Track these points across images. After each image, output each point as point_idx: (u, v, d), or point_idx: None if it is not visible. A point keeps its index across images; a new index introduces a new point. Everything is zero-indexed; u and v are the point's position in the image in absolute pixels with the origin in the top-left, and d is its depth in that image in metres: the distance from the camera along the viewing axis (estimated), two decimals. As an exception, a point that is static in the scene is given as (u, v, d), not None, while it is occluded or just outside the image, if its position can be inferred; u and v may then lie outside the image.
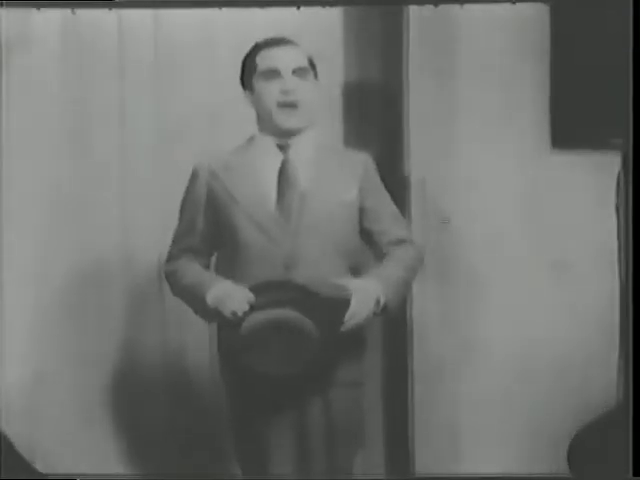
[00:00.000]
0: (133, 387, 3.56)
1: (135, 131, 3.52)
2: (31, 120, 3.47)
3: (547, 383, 3.38)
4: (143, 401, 3.55)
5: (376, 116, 3.54)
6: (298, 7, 3.41)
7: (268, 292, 2.59)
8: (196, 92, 3.50)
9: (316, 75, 2.79)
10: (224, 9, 3.42)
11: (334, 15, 3.52)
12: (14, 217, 3.45)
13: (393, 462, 3.54)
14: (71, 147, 3.51)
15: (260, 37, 3.30)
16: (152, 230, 3.46)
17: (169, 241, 2.87)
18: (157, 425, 3.54)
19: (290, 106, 2.70)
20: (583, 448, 3.29)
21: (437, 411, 3.40)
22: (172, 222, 2.89)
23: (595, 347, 3.36)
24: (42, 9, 3.41)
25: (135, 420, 3.56)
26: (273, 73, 2.72)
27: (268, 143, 2.76)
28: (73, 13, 3.43)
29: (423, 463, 3.39)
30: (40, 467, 3.39)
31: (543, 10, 3.33)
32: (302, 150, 2.76)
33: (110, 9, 3.43)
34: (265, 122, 2.76)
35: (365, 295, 2.60)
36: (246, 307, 2.57)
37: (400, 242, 2.78)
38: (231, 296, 2.60)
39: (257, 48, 2.78)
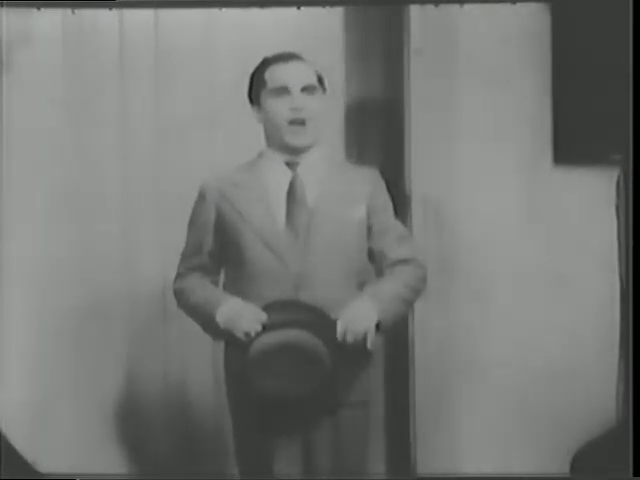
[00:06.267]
0: (135, 413, 3.56)
1: (135, 131, 3.51)
2: (31, 120, 3.47)
3: (547, 393, 3.38)
4: (146, 427, 3.56)
5: (377, 129, 3.53)
6: (298, 7, 3.41)
7: (279, 312, 2.57)
8: (196, 92, 3.50)
9: (324, 90, 2.78)
10: (224, 9, 3.42)
11: (334, 15, 3.51)
12: (13, 232, 3.45)
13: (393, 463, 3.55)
14: (71, 147, 3.51)
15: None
16: (155, 246, 3.48)
17: (171, 261, 2.85)
18: (160, 449, 3.56)
19: (299, 124, 2.69)
20: (585, 455, 3.29)
21: (438, 419, 3.40)
22: (174, 231, 2.88)
23: (596, 358, 3.36)
24: (42, 9, 3.41)
25: (138, 446, 3.57)
26: (282, 90, 2.70)
27: (276, 160, 2.75)
28: (73, 13, 3.43)
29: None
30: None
31: (543, 10, 3.32)
32: (310, 168, 2.74)
33: (110, 9, 3.43)
34: (274, 138, 2.75)
35: (354, 314, 2.58)
36: (259, 327, 2.55)
37: (403, 262, 2.74)
38: (243, 316, 2.58)
39: (266, 63, 2.76)
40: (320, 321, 2.56)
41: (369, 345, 2.58)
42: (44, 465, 3.37)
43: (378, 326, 2.60)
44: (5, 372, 3.46)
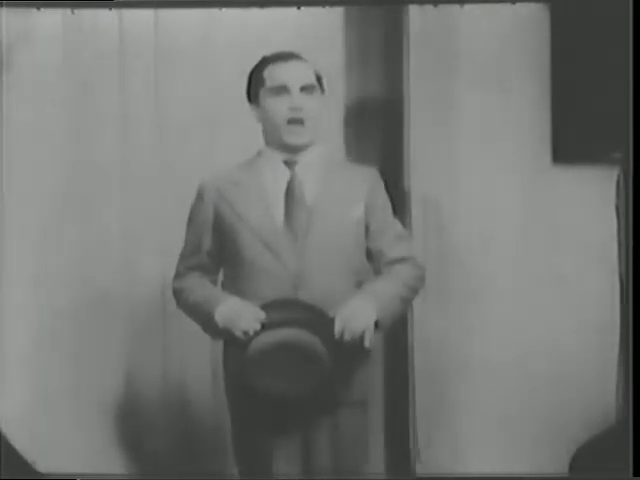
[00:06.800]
0: (135, 412, 3.56)
1: (135, 131, 3.52)
2: (31, 120, 3.47)
3: (547, 393, 3.38)
4: (146, 426, 3.56)
5: (377, 128, 3.53)
6: (298, 7, 3.41)
7: (278, 311, 2.57)
8: (196, 92, 3.50)
9: (323, 90, 2.78)
10: (224, 9, 3.43)
11: (334, 15, 3.51)
12: (13, 232, 3.46)
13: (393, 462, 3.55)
14: (71, 147, 3.51)
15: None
16: (155, 245, 3.48)
17: (171, 261, 2.85)
18: (160, 448, 3.56)
19: (298, 123, 2.69)
20: (585, 454, 3.29)
21: (438, 419, 3.40)
22: (173, 231, 2.89)
23: (596, 357, 3.36)
24: (42, 9, 3.41)
25: (138, 445, 3.57)
26: (281, 90, 2.70)
27: (275, 159, 2.75)
28: (73, 13, 3.43)
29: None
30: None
31: (543, 10, 3.33)
32: (309, 166, 2.74)
33: (110, 9, 3.43)
34: (272, 137, 2.75)
35: (352, 312, 2.58)
36: (257, 326, 2.56)
37: (401, 260, 2.74)
38: (242, 315, 2.58)
39: (265, 62, 2.76)
40: (318, 320, 2.56)
41: (367, 344, 2.58)
42: (44, 465, 3.36)
43: (376, 325, 2.61)
44: (5, 372, 3.46)
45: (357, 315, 2.57)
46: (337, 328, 2.55)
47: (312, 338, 2.54)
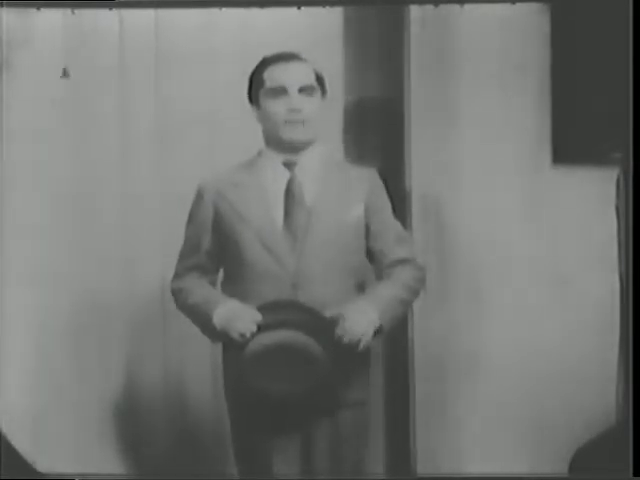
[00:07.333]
0: (135, 412, 3.56)
1: (135, 131, 3.52)
2: (31, 120, 3.47)
3: (547, 393, 3.38)
4: (145, 426, 3.56)
5: (377, 128, 3.53)
6: (298, 7, 3.41)
7: (275, 312, 2.57)
8: (196, 92, 3.50)
9: (324, 91, 2.78)
10: (224, 9, 3.42)
11: (334, 15, 3.51)
12: (13, 232, 3.45)
13: (393, 463, 3.55)
14: (71, 147, 3.51)
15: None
16: (155, 246, 3.48)
17: (171, 261, 2.86)
18: (160, 449, 3.56)
19: (296, 124, 2.70)
20: (585, 455, 3.29)
21: (438, 419, 3.40)
22: (173, 231, 2.90)
23: (596, 357, 3.36)
24: (42, 9, 3.41)
25: (138, 445, 3.57)
26: (280, 91, 2.70)
27: (274, 160, 2.75)
28: (73, 13, 3.43)
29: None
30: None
31: (543, 10, 3.32)
32: (308, 167, 2.74)
33: (110, 9, 3.43)
34: (271, 138, 2.75)
35: (356, 316, 2.58)
36: (254, 328, 2.56)
37: (402, 262, 2.75)
38: (239, 317, 2.59)
39: (265, 63, 2.76)
40: (315, 321, 2.56)
41: (360, 348, 2.58)
42: (44, 465, 3.36)
43: (379, 330, 2.62)
44: (5, 372, 3.46)
45: (359, 320, 2.58)
46: (339, 331, 2.56)
47: (308, 339, 2.55)
